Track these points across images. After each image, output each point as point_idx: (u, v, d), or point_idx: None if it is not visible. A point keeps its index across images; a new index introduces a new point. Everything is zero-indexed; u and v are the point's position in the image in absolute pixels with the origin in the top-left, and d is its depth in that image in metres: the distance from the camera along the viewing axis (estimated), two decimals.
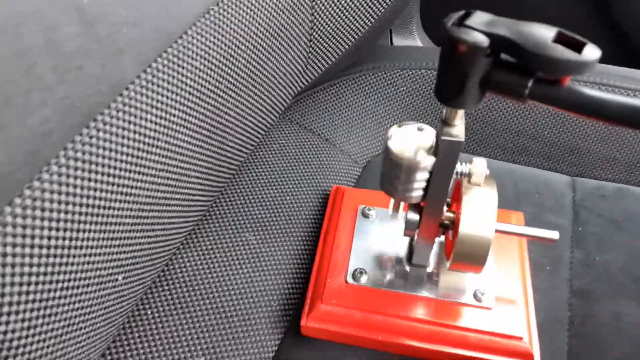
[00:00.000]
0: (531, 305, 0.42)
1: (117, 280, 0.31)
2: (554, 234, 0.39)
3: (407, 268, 0.43)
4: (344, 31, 0.52)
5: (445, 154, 0.33)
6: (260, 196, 0.49)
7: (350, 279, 0.42)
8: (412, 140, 0.34)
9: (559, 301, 0.44)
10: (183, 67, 0.33)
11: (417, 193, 0.36)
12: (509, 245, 0.45)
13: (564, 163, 0.58)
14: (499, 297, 0.41)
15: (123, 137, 0.29)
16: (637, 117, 0.24)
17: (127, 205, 0.30)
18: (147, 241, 0.34)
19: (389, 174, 0.35)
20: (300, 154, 0.54)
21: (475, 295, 0.41)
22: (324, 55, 0.53)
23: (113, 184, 0.28)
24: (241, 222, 0.47)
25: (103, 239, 0.29)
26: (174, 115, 0.32)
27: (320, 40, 0.51)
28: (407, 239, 0.44)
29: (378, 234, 0.45)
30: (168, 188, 0.34)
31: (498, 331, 0.39)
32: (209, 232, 0.45)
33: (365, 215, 0.47)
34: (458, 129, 0.32)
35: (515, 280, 0.42)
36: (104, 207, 0.28)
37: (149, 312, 0.40)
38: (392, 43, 0.82)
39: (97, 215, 0.28)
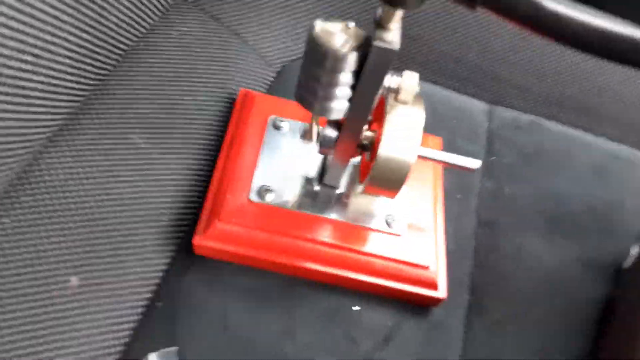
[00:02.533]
0: (441, 234, 0.40)
1: None
2: (476, 163, 0.37)
3: (317, 188, 0.39)
4: None
5: (375, 62, 0.28)
6: (152, 92, 0.42)
7: (254, 197, 0.37)
8: (339, 35, 0.28)
9: (466, 231, 0.43)
10: None
11: (337, 104, 0.31)
12: (424, 170, 0.42)
13: (483, 90, 0.56)
14: (410, 224, 0.39)
15: None
16: (601, 41, 0.21)
17: None
18: None
19: (309, 75, 0.30)
20: (204, 47, 0.47)
21: (386, 221, 0.38)
22: None
23: None
24: (128, 122, 0.39)
25: None
26: None
27: None
28: (319, 157, 0.40)
29: (288, 149, 0.40)
30: (22, 65, 0.26)
31: (406, 259, 0.37)
32: (86, 129, 0.37)
33: (276, 127, 0.41)
34: (393, 35, 0.27)
35: (427, 208, 0.40)
36: None
37: (6, 220, 0.32)
38: None
39: None
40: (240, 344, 0.34)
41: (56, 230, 0.33)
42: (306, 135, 0.36)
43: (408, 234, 0.38)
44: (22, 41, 0.26)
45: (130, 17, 0.37)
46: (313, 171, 0.40)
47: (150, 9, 0.39)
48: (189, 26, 0.47)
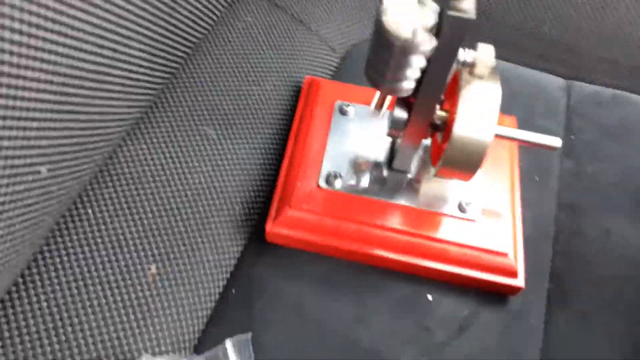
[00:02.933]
0: (518, 219, 0.38)
1: (39, 172, 0.25)
2: (557, 141, 0.35)
3: (386, 173, 0.38)
4: None
5: (450, 34, 0.27)
6: (221, 83, 0.42)
7: (322, 183, 0.37)
8: (410, 16, 0.27)
9: (546, 215, 0.41)
10: None
11: (408, 84, 0.30)
12: (500, 152, 0.40)
13: (560, 64, 0.53)
14: (485, 209, 0.37)
15: None
16: None
17: (44, 75, 0.23)
18: (77, 126, 0.27)
19: (378, 58, 0.29)
20: (270, 36, 0.47)
21: (459, 206, 0.37)
22: None
23: (20, 45, 0.21)
24: (199, 113, 0.40)
25: (13, 118, 0.22)
26: None
27: None
28: (388, 141, 0.39)
29: (356, 134, 0.40)
30: (102, 59, 0.27)
31: (482, 246, 0.36)
32: (161, 122, 0.39)
33: (342, 112, 0.41)
34: (468, 3, 0.26)
35: (503, 191, 0.39)
36: (10, 75, 0.21)
37: (90, 211, 0.34)
38: None
39: (1, 85, 0.21)
40: (314, 330, 0.34)
41: (135, 220, 0.35)
42: (376, 105, 0.35)
43: (483, 219, 0.37)
44: (101, 36, 0.27)
45: (199, 10, 0.37)
46: (382, 156, 0.39)
47: (217, 1, 0.39)
48: (254, 16, 0.48)
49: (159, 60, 0.35)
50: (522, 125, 0.46)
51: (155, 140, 0.38)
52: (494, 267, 0.35)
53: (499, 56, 0.53)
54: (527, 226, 0.39)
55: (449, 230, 0.36)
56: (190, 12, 0.36)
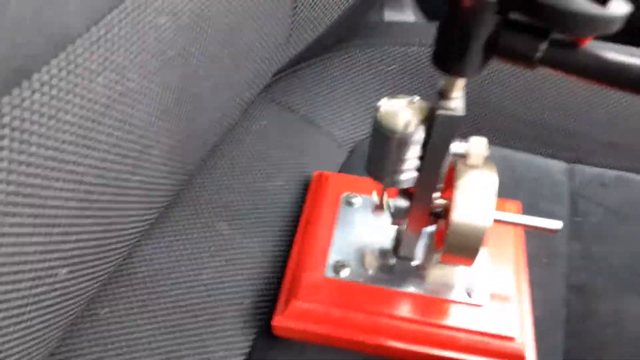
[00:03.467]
0: (526, 302, 0.38)
1: (57, 274, 0.27)
2: (557, 224, 0.35)
3: (393, 261, 0.39)
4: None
5: (441, 129, 0.29)
6: (236, 182, 0.45)
7: (329, 273, 0.38)
8: (403, 113, 0.30)
9: (556, 297, 0.41)
10: (144, 24, 0.28)
11: (407, 175, 0.32)
12: (505, 236, 0.41)
13: (561, 149, 0.54)
14: (493, 293, 0.38)
15: (66, 102, 0.24)
16: None
17: (70, 185, 0.26)
18: (97, 229, 0.29)
19: (377, 153, 0.31)
20: (281, 137, 0.50)
21: (466, 291, 0.37)
22: (308, 26, 0.48)
23: (52, 159, 0.24)
24: (213, 210, 0.43)
25: (39, 225, 0.24)
26: (132, 80, 0.28)
27: (305, 8, 0.46)
28: (394, 229, 0.41)
29: (362, 224, 0.41)
30: (124, 167, 0.30)
31: (489, 331, 0.36)
32: (176, 221, 0.41)
33: (349, 203, 0.43)
34: (457, 102, 0.28)
35: (510, 275, 0.39)
36: (40, 187, 0.24)
37: (103, 312, 0.36)
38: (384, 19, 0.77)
39: (31, 196, 0.24)
40: None
41: (149, 318, 0.36)
42: (376, 208, 0.37)
43: (490, 304, 0.37)
44: (125, 147, 0.30)
45: (217, 118, 0.41)
46: (388, 244, 0.40)
47: (234, 107, 0.43)
48: (267, 118, 0.51)
49: (178, 165, 0.37)
50: (528, 209, 0.47)
51: (170, 238, 0.40)
52: (501, 353, 0.35)
53: (500, 144, 0.56)
54: (538, 309, 0.39)
55: (456, 317, 0.36)
56: (208, 119, 0.39)
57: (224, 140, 0.48)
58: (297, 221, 0.44)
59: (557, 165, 0.52)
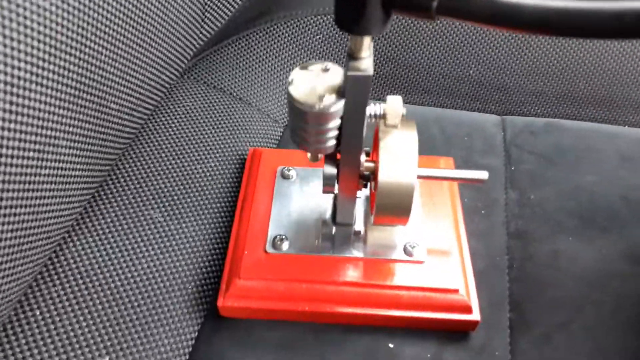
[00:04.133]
0: (467, 253, 0.39)
1: None
2: (483, 174, 0.36)
3: (333, 229, 0.39)
4: None
5: (354, 92, 0.28)
6: (165, 167, 0.44)
7: (269, 248, 0.37)
8: (317, 83, 0.29)
9: (497, 245, 0.42)
10: (26, 8, 0.26)
11: (331, 143, 0.31)
12: (439, 192, 0.42)
13: (492, 103, 0.55)
14: (431, 249, 0.38)
15: None
16: (560, 20, 0.21)
17: None
18: (7, 229, 0.28)
19: (296, 125, 0.30)
20: (211, 117, 0.48)
21: (405, 250, 0.37)
22: (223, 2, 0.47)
23: None
24: (144, 199, 0.41)
25: None
26: (20, 69, 0.26)
27: None
28: (331, 198, 0.40)
29: (299, 196, 0.41)
30: (27, 162, 0.28)
31: (432, 286, 0.36)
32: (105, 213, 0.39)
33: (284, 177, 0.42)
34: (365, 62, 0.28)
35: (447, 229, 0.39)
36: None
37: (37, 312, 0.34)
38: None
39: None
40: None
41: (85, 314, 0.34)
42: (311, 159, 0.36)
43: (430, 259, 0.37)
44: (22, 139, 0.28)
45: (133, 103, 0.39)
46: (326, 212, 0.40)
47: (151, 91, 0.41)
48: (193, 100, 0.50)
49: (94, 155, 0.36)
50: (464, 164, 0.48)
51: (100, 231, 0.38)
52: (447, 306, 0.35)
53: (431, 103, 0.56)
54: (480, 259, 0.40)
55: (398, 276, 0.36)
56: (122, 105, 0.37)
57: (148, 126, 0.46)
58: (235, 202, 0.43)
59: (489, 119, 0.53)
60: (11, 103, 0.26)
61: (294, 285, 0.36)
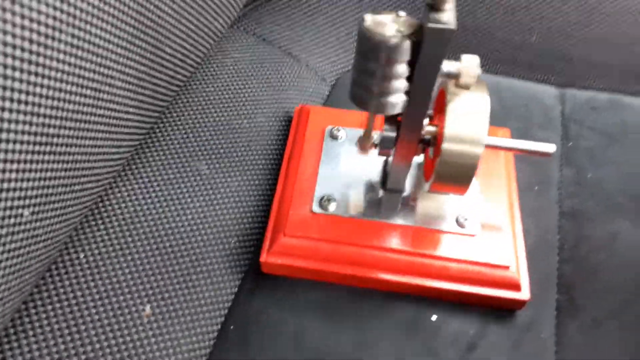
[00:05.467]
0: (519, 230, 0.37)
1: (22, 215, 0.25)
2: (550, 147, 0.34)
3: (381, 194, 0.38)
4: None
5: (432, 45, 0.27)
6: (212, 119, 0.43)
7: (316, 208, 0.36)
8: (390, 25, 0.27)
9: (548, 224, 0.40)
10: None
11: (395, 99, 0.29)
12: (495, 164, 0.40)
13: (552, 73, 0.52)
14: (484, 222, 0.36)
15: (4, 21, 0.21)
16: None
17: (22, 117, 0.23)
18: (61, 167, 0.27)
19: (363, 73, 0.28)
20: (259, 71, 0.47)
21: (457, 221, 0.36)
22: None
23: None
24: (190, 150, 0.40)
25: None
26: (83, 1, 0.25)
27: None
28: (381, 162, 0.39)
29: (348, 158, 0.40)
30: (83, 99, 0.27)
31: (483, 260, 0.35)
32: (152, 160, 0.39)
33: (333, 137, 0.41)
34: (448, 15, 0.26)
35: (501, 203, 0.38)
36: None
37: (82, 255, 0.34)
38: None
39: None
40: None
41: (128, 261, 0.34)
42: (362, 142, 0.34)
43: (483, 233, 0.36)
44: (81, 76, 0.27)
45: (186, 49, 0.38)
46: (375, 177, 0.38)
47: (203, 38, 0.40)
48: (242, 52, 0.48)
49: (146, 99, 0.35)
50: (519, 137, 0.45)
51: (146, 179, 0.38)
52: (496, 281, 0.34)
53: (489, 70, 0.53)
54: (530, 237, 0.38)
55: (448, 247, 0.35)
56: (175, 50, 0.36)
57: (197, 76, 0.45)
58: (280, 159, 0.42)
59: (547, 91, 0.50)
60: (73, 36, 0.25)
61: (339, 247, 0.35)
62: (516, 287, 0.34)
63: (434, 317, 0.35)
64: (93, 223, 0.35)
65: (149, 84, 0.34)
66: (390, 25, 0.27)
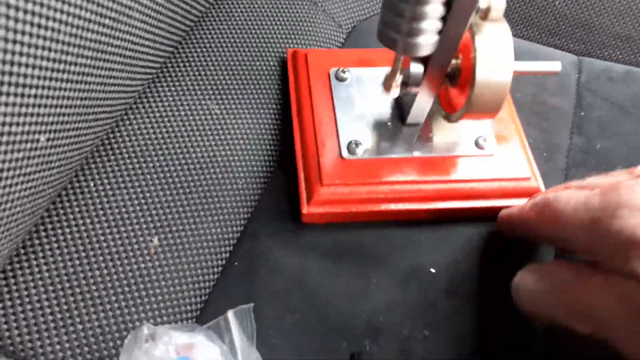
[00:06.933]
0: (529, 150, 0.40)
1: (38, 141, 0.25)
2: (556, 65, 0.36)
3: (400, 129, 0.38)
4: None
5: None
6: (224, 58, 0.42)
7: (345, 154, 0.37)
8: None
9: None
10: None
11: (426, 40, 0.29)
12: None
13: (571, 41, 0.52)
14: (499, 143, 0.39)
15: None
16: None
17: (42, 42, 0.23)
18: (76, 96, 0.27)
19: (392, 10, 0.28)
20: (274, 11, 0.46)
21: (477, 144, 0.38)
22: None
23: (17, 9, 0.21)
24: (201, 88, 0.40)
25: (10, 84, 0.22)
26: None
27: None
28: (391, 98, 0.39)
29: (359, 98, 0.39)
30: (102, 28, 0.27)
31: (506, 176, 0.37)
32: (163, 96, 0.38)
33: (340, 79, 0.40)
34: None
35: (509, 127, 0.40)
36: (7, 40, 0.21)
37: (91, 184, 0.34)
38: None
39: None
40: (314, 302, 0.34)
41: (137, 193, 0.35)
42: (386, 82, 0.34)
43: (499, 152, 0.38)
44: (101, 4, 0.26)
45: None
46: (389, 114, 0.39)
47: None
48: None
49: (161, 33, 0.34)
50: (532, 102, 0.45)
51: (157, 114, 0.38)
52: (521, 192, 0.37)
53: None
54: None
55: (473, 169, 0.37)
56: None
57: (211, 13, 0.44)
58: (288, 102, 0.42)
59: (565, 57, 0.49)
60: None
61: (375, 188, 0.36)
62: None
63: (432, 270, 0.36)
64: (104, 154, 0.35)
65: (166, 17, 0.34)
66: None
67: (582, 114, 0.45)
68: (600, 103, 0.46)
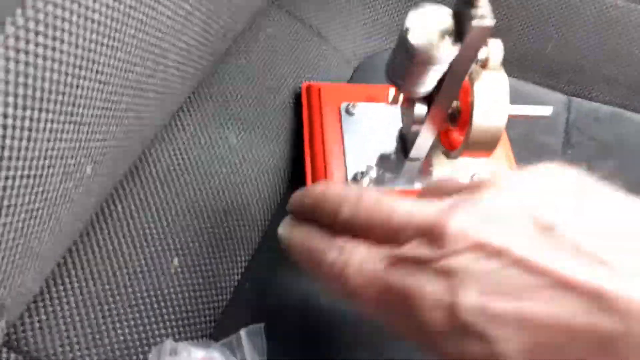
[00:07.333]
0: None
1: (85, 171, 0.28)
2: (547, 110, 0.39)
3: (402, 163, 0.41)
4: None
5: (474, 41, 0.29)
6: (242, 92, 0.45)
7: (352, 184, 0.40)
8: (433, 28, 0.30)
9: None
10: None
11: (428, 87, 0.32)
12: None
13: (562, 82, 0.56)
14: None
15: (93, 0, 0.24)
16: None
17: (97, 85, 0.26)
18: (119, 130, 0.30)
19: (401, 67, 0.31)
20: (289, 48, 0.50)
21: (472, 180, 0.41)
22: None
23: (81, 58, 0.24)
24: (221, 119, 0.43)
25: (70, 122, 0.25)
26: None
27: None
28: (396, 134, 0.42)
29: (366, 132, 0.43)
30: (144, 70, 0.30)
31: None
32: (186, 126, 0.41)
33: (349, 113, 0.44)
34: (484, 10, 0.28)
35: (505, 164, 0.43)
36: (71, 85, 0.24)
37: (119, 207, 0.37)
38: None
39: (63, 94, 0.24)
40: (323, 322, 0.37)
41: (160, 216, 0.37)
42: (392, 100, 0.38)
43: None
44: (144, 49, 0.29)
45: (228, 23, 0.40)
46: (393, 148, 0.42)
47: (244, 15, 0.42)
48: (275, 27, 0.50)
49: (190, 70, 0.37)
50: (523, 139, 0.49)
51: (181, 143, 0.41)
52: None
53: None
54: None
55: None
56: (219, 25, 0.39)
57: (232, 49, 0.47)
58: (301, 134, 0.45)
59: (555, 97, 0.53)
60: (144, 14, 0.28)
61: None
62: None
63: None
64: (130, 179, 0.38)
65: (194, 56, 0.37)
66: (432, 30, 0.29)
67: (569, 152, 0.48)
68: (587, 142, 0.49)
